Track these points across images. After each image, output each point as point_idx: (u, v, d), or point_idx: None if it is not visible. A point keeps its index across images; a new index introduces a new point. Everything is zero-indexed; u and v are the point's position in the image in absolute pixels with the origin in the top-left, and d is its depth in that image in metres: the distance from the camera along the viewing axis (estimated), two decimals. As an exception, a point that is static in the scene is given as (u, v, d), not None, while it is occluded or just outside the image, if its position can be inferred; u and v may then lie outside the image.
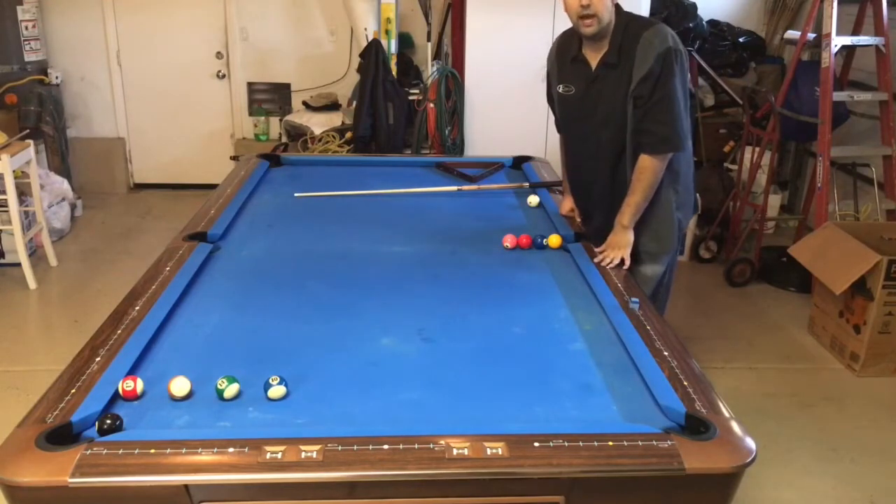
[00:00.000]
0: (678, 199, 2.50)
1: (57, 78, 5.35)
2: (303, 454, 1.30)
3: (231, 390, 1.52)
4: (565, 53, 2.46)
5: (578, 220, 2.66)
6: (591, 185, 2.54)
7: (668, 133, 2.30)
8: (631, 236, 2.38)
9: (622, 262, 2.32)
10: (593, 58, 2.36)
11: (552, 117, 2.70)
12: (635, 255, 2.46)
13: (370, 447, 1.32)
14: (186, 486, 1.28)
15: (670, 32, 2.30)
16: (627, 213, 2.37)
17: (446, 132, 4.95)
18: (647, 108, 2.28)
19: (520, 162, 3.36)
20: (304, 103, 5.45)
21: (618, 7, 2.32)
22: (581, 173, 2.58)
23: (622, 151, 2.40)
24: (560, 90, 2.49)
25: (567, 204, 2.72)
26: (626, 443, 1.36)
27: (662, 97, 2.26)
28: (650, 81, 2.25)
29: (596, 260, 2.30)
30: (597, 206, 2.56)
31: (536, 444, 1.34)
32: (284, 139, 5.42)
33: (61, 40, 5.55)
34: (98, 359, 1.62)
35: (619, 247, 2.34)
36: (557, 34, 2.59)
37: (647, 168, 2.33)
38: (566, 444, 1.35)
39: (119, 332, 1.74)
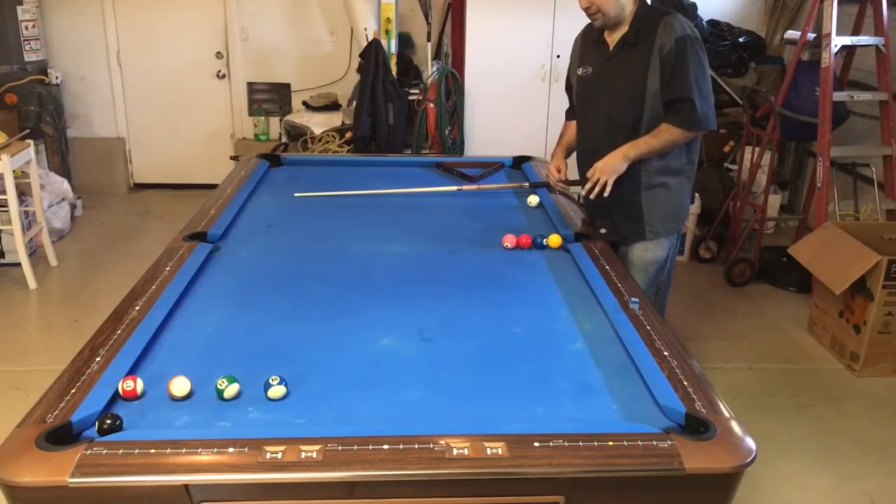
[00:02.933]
0: (689, 186, 2.59)
1: (57, 78, 5.36)
2: (303, 454, 1.30)
3: (231, 390, 1.52)
4: (588, 38, 2.59)
5: (560, 175, 2.71)
6: (597, 162, 2.55)
7: (690, 112, 2.37)
8: (623, 168, 2.42)
9: (604, 189, 2.43)
10: (612, 40, 2.48)
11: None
12: (642, 232, 2.53)
13: (370, 447, 1.32)
14: (186, 486, 1.28)
15: (688, 23, 2.41)
16: (636, 147, 2.42)
17: (446, 132, 4.95)
18: (669, 89, 2.37)
19: (520, 162, 3.36)
20: (304, 103, 5.45)
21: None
22: (593, 151, 2.58)
23: (635, 125, 2.44)
24: (579, 73, 2.60)
25: (556, 161, 2.76)
26: (626, 443, 1.35)
27: (686, 79, 2.35)
28: (673, 63, 2.35)
29: (584, 190, 2.46)
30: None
31: (536, 444, 1.34)
32: (284, 139, 5.42)
33: (61, 40, 5.55)
34: (98, 359, 1.62)
35: (607, 171, 2.41)
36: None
37: (674, 131, 2.40)
38: (566, 444, 1.34)
39: (119, 332, 1.74)
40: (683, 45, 2.34)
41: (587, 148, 2.60)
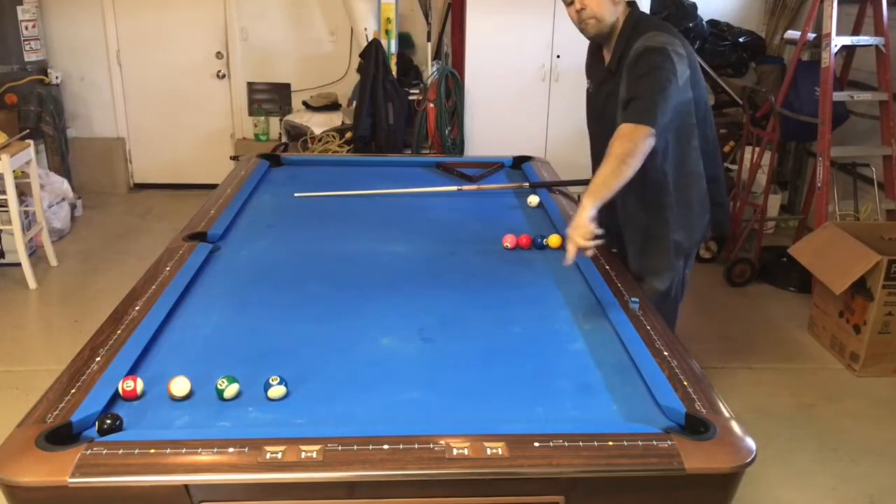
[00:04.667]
0: (675, 219, 2.37)
1: (57, 78, 5.35)
2: (303, 454, 1.30)
3: (231, 390, 1.52)
4: (593, 49, 2.45)
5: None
6: None
7: (634, 107, 2.11)
8: (586, 217, 1.98)
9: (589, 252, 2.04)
10: (607, 58, 2.35)
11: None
12: (629, 266, 2.42)
13: (370, 447, 1.32)
14: (186, 486, 1.28)
15: (662, 37, 2.17)
16: (590, 187, 2.05)
17: (446, 132, 4.95)
18: (625, 93, 2.18)
19: (520, 162, 3.36)
20: (304, 103, 5.45)
21: (632, 7, 2.28)
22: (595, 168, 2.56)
23: None
24: (587, 85, 2.51)
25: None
26: (626, 443, 1.35)
27: (634, 81, 2.15)
28: (628, 74, 2.18)
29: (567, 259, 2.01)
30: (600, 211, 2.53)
31: (536, 444, 1.34)
32: (284, 139, 5.42)
33: (61, 40, 5.55)
34: (98, 359, 1.62)
35: (572, 234, 1.99)
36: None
37: (613, 142, 2.09)
38: (566, 444, 1.34)
39: (119, 332, 1.74)
40: (640, 55, 2.15)
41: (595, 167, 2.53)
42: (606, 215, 2.42)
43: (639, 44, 2.19)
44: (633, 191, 2.22)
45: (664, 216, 2.39)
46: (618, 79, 2.25)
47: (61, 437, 1.35)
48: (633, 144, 2.07)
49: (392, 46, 4.90)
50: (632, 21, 2.26)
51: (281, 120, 5.57)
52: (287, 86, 5.75)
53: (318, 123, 5.15)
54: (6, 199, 3.95)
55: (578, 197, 2.76)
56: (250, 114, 5.78)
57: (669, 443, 1.35)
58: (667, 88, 2.12)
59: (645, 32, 2.20)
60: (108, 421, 1.39)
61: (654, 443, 1.36)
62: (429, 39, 5.17)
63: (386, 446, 1.33)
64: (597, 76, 2.42)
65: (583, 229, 1.97)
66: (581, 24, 2.25)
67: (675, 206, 2.38)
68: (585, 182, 2.55)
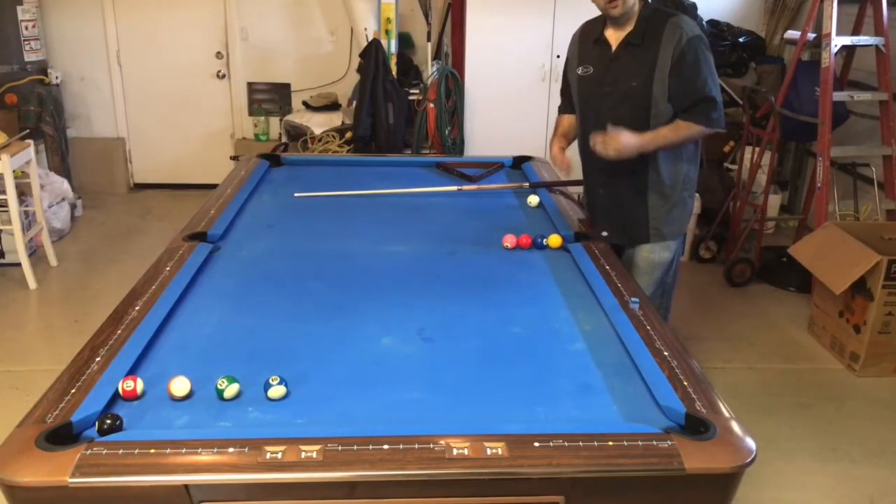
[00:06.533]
0: (692, 188, 2.58)
1: (57, 78, 5.36)
2: (303, 454, 1.30)
3: (231, 390, 1.52)
4: (588, 37, 2.56)
5: (565, 167, 2.70)
6: (602, 162, 2.53)
7: (712, 111, 2.38)
8: (630, 144, 2.34)
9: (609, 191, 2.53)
10: (615, 39, 2.45)
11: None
12: (646, 235, 2.53)
13: (370, 447, 1.32)
14: (186, 486, 1.28)
15: (694, 23, 2.42)
16: (654, 141, 2.38)
17: (446, 132, 4.95)
18: (688, 91, 2.36)
19: (520, 162, 3.36)
20: (304, 103, 5.45)
21: None
22: (594, 152, 2.58)
23: (642, 127, 2.41)
24: (579, 72, 2.56)
25: (556, 150, 2.72)
26: (626, 443, 1.35)
27: (704, 80, 2.36)
28: (689, 65, 2.34)
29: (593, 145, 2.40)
30: (606, 183, 2.57)
31: (536, 444, 1.34)
32: (284, 139, 5.42)
33: (61, 40, 5.55)
34: (98, 359, 1.62)
35: (615, 147, 2.34)
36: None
37: (694, 128, 2.39)
38: (566, 444, 1.34)
39: (119, 332, 1.74)
40: (697, 47, 2.35)
41: (590, 152, 2.54)
42: (598, 186, 2.60)
43: (676, 21, 2.37)
44: (672, 166, 2.49)
45: (685, 189, 2.56)
46: (645, 50, 2.39)
47: (61, 437, 1.35)
48: (693, 137, 2.44)
49: (392, 46, 4.90)
50: (650, 6, 2.44)
51: (281, 120, 5.57)
52: (287, 86, 5.75)
53: (318, 123, 5.15)
54: (6, 199, 3.95)
55: (578, 197, 2.76)
56: (250, 114, 5.78)
57: (669, 443, 1.35)
58: (717, 83, 2.42)
59: (668, 13, 2.43)
60: (108, 421, 1.39)
61: (654, 443, 1.36)
62: (429, 39, 5.17)
63: (386, 446, 1.33)
64: (601, 57, 2.49)
65: (620, 146, 2.34)
66: (610, 4, 2.37)
67: (695, 178, 2.59)
68: (587, 182, 2.54)
